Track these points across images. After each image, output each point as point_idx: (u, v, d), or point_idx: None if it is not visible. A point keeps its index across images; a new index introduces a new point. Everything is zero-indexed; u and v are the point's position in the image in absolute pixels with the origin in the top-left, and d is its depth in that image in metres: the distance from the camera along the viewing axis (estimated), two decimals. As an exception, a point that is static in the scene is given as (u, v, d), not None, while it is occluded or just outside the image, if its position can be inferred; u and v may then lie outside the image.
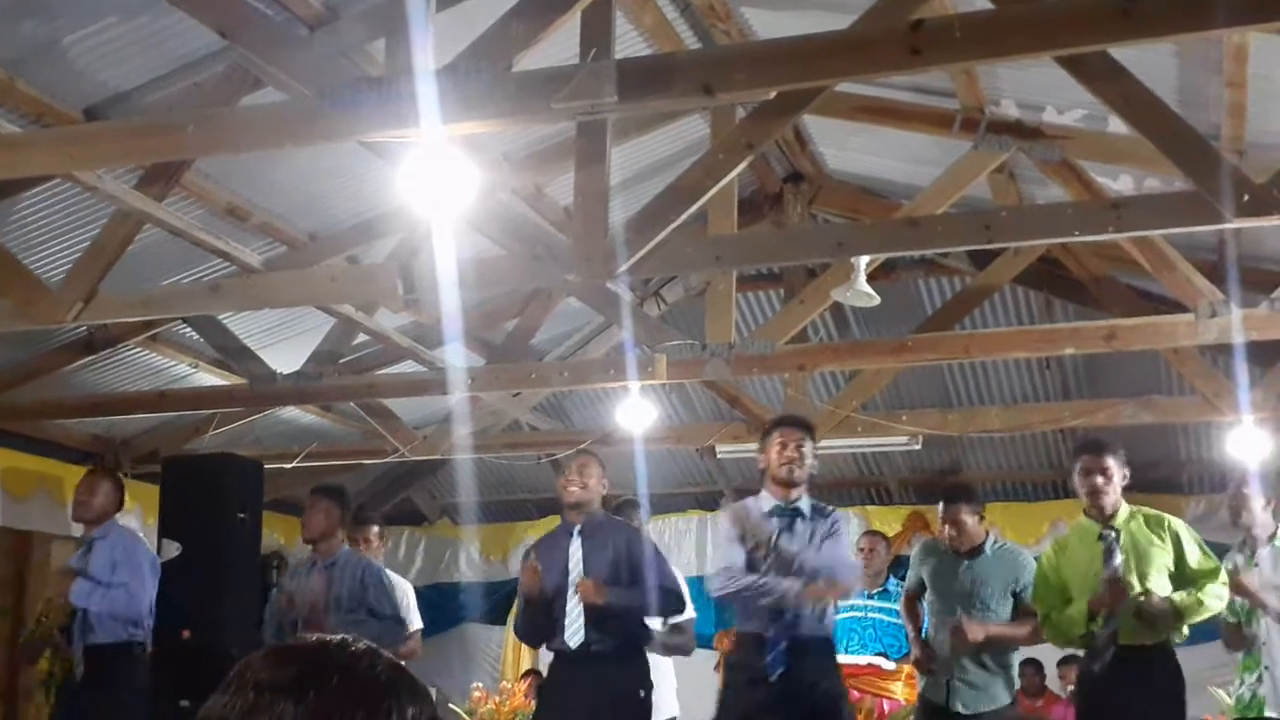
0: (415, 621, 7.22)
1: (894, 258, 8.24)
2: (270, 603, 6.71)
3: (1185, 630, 5.64)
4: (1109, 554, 5.55)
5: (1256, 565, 5.94)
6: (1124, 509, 5.69)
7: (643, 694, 5.74)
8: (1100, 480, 5.66)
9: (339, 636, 1.47)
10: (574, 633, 5.66)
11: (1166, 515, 5.83)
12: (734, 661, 5.68)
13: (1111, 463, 5.68)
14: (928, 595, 6.42)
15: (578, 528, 5.83)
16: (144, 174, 5.78)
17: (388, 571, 6.81)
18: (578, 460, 6.02)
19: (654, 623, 6.16)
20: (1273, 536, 6.00)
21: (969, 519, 6.30)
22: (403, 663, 1.48)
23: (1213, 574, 5.62)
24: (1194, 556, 5.63)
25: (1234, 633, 6.04)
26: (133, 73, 5.55)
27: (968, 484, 7.65)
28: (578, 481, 5.87)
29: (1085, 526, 5.74)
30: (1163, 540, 5.64)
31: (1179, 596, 5.52)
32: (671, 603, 5.88)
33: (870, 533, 8.36)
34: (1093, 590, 5.55)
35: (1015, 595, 6.18)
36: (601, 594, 5.59)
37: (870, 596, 7.69)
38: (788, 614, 5.37)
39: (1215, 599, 5.59)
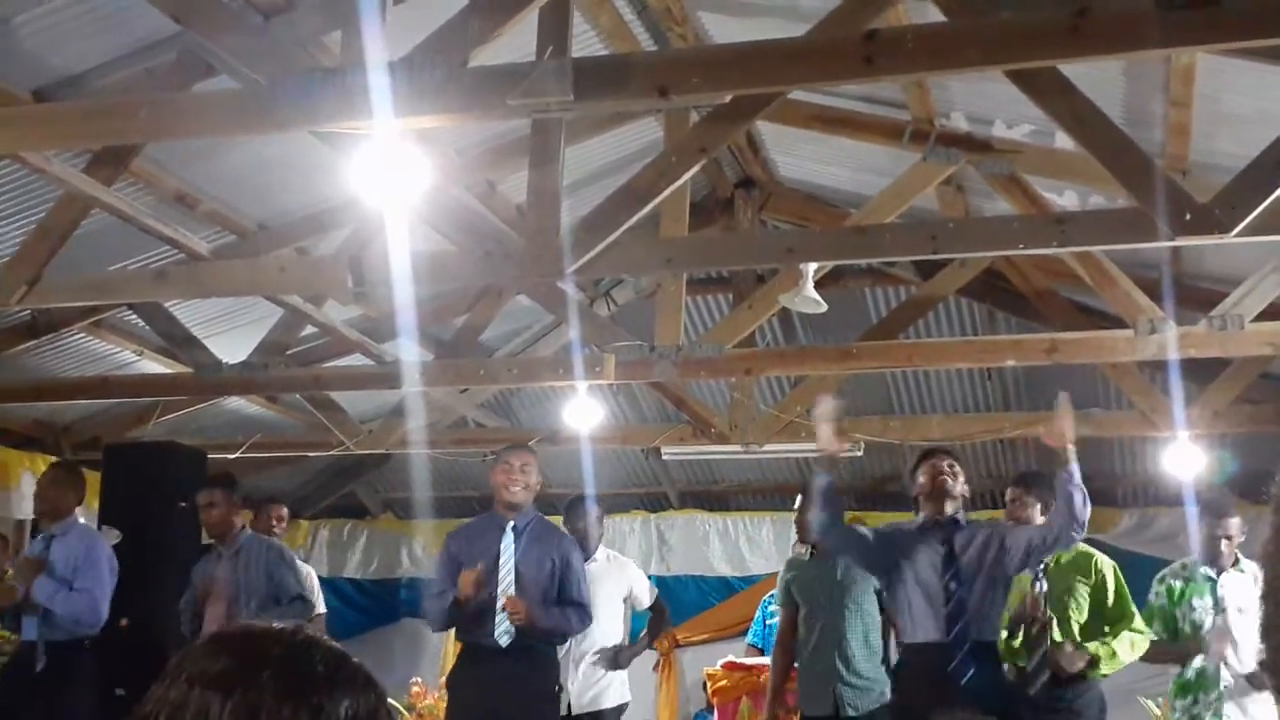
0: (319, 605, 7.38)
1: (842, 266, 8.32)
2: (184, 598, 6.74)
3: (1097, 674, 5.82)
4: (1034, 582, 5.77)
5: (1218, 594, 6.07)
6: None
7: (557, 689, 5.81)
8: (1016, 510, 6.00)
9: (279, 627, 1.45)
10: (503, 631, 5.66)
11: (1096, 554, 6.10)
12: None
13: (1026, 498, 5.99)
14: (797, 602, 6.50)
15: (511, 524, 5.84)
16: (93, 158, 5.73)
17: (290, 551, 6.89)
18: (519, 458, 5.96)
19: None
20: (1236, 562, 6.14)
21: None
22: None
23: (1128, 619, 5.84)
24: (1112, 601, 5.88)
25: (1156, 649, 6.16)
26: (84, 55, 5.49)
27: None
28: (521, 481, 5.87)
29: None
30: (1087, 577, 5.90)
31: (1093, 646, 5.77)
32: (582, 623, 5.93)
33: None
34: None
35: (878, 592, 6.31)
36: (529, 618, 5.62)
37: None
38: None
39: (1128, 648, 5.82)
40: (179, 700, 1.36)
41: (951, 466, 5.54)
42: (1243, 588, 6.00)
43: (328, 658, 1.42)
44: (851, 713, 6.11)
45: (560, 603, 5.84)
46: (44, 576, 6.38)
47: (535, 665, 5.73)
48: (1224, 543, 6.10)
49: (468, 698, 5.81)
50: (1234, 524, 6.14)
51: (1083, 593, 5.91)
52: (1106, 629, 5.91)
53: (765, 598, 8.43)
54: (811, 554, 6.47)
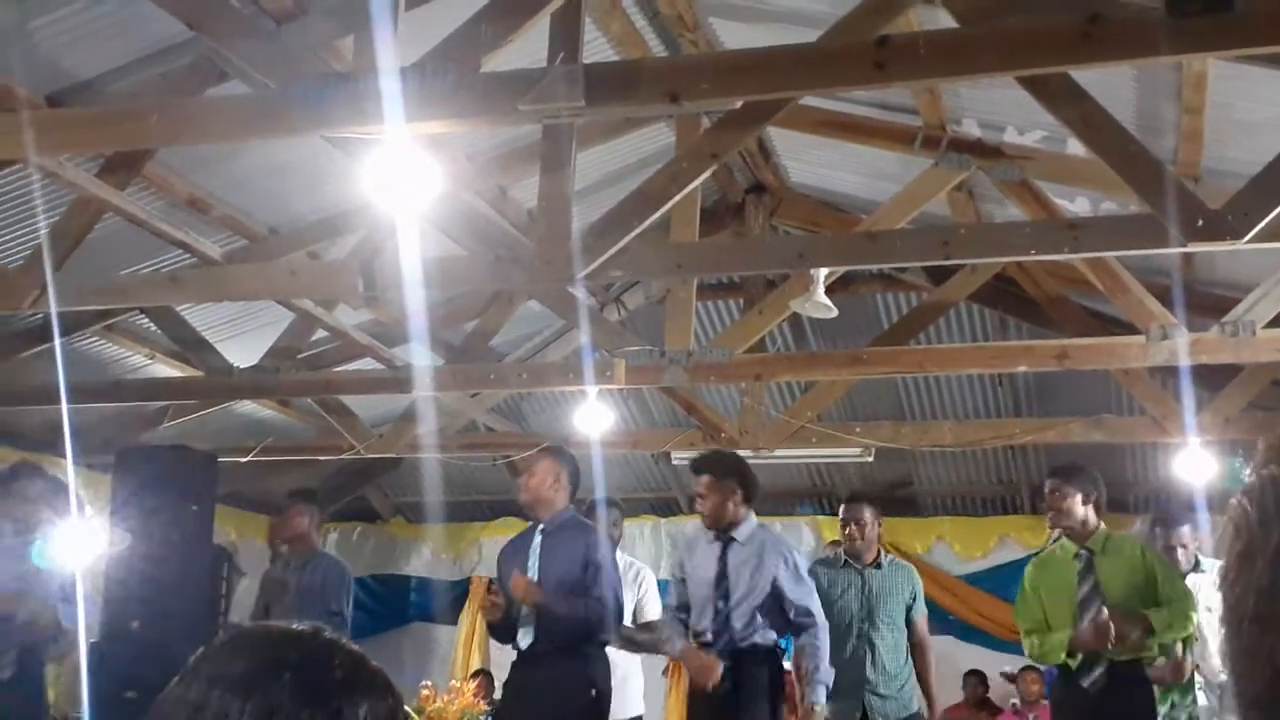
0: None
1: (852, 271, 8.31)
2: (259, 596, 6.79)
3: (1156, 647, 5.76)
4: (1084, 575, 5.72)
5: None
6: (1101, 532, 5.85)
7: (593, 693, 5.75)
8: (1057, 501, 5.90)
9: (299, 628, 1.45)
10: (525, 633, 5.69)
11: (1144, 546, 6.06)
12: None
13: (1066, 489, 5.85)
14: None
15: (540, 526, 5.89)
16: (105, 162, 5.75)
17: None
18: (530, 464, 6.07)
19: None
20: (1196, 565, 6.15)
21: (870, 520, 6.45)
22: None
23: (1181, 600, 5.76)
24: (1163, 584, 5.81)
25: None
26: (97, 60, 5.51)
27: (868, 491, 7.97)
28: (523, 483, 5.98)
29: (1065, 545, 5.92)
30: (1134, 564, 5.81)
31: (1151, 613, 5.67)
32: (605, 621, 5.88)
33: (834, 543, 8.45)
34: (1072, 613, 5.72)
35: (908, 608, 6.32)
36: (533, 594, 5.62)
37: None
38: None
39: (1181, 623, 5.74)
40: (198, 701, 1.35)
41: (705, 480, 5.82)
42: (1208, 587, 5.99)
43: (346, 661, 1.41)
44: None
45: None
46: (64, 605, 6.31)
47: (565, 668, 5.69)
48: (1179, 551, 6.19)
49: (509, 699, 5.96)
50: (1185, 532, 6.33)
51: (1133, 584, 5.85)
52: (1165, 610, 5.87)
53: None
54: (846, 561, 6.47)
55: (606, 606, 5.82)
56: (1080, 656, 5.70)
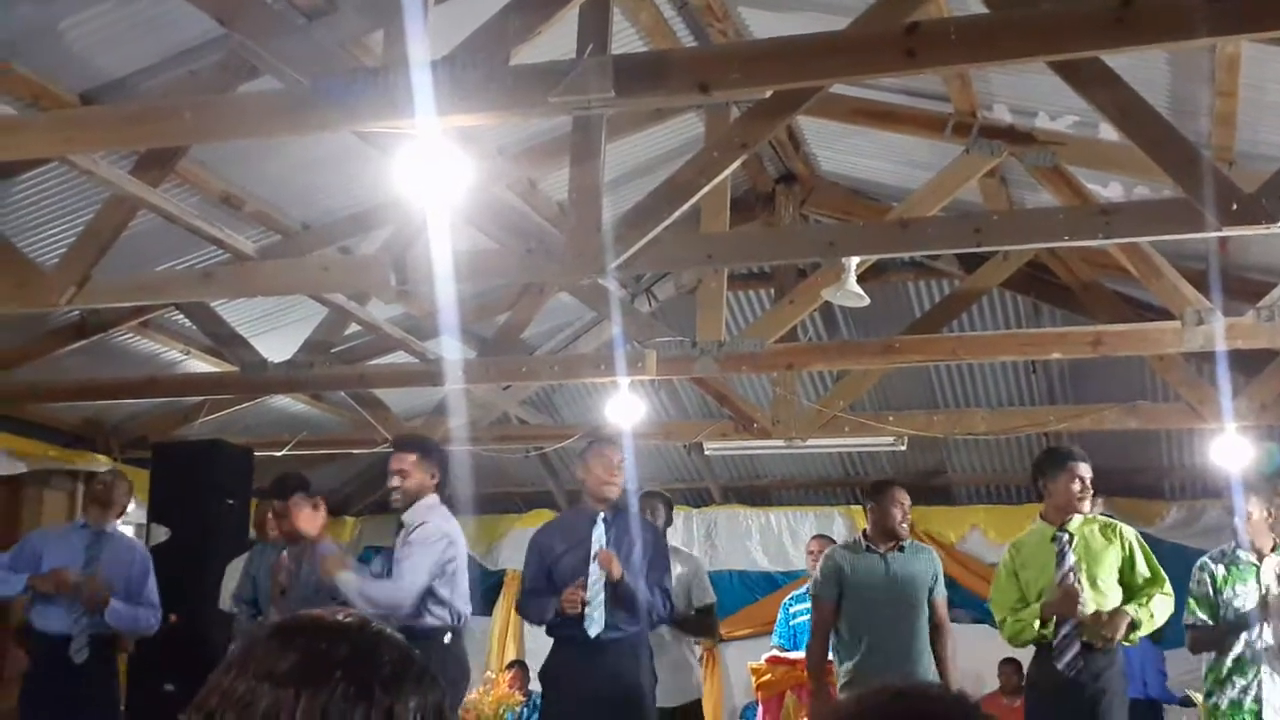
0: None
1: (884, 259, 8.29)
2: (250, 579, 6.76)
3: (1135, 638, 5.78)
4: (1061, 556, 5.74)
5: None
6: (1079, 515, 5.85)
7: (654, 679, 5.81)
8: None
9: (346, 621, 1.43)
10: (594, 621, 5.67)
11: (1120, 523, 6.07)
12: None
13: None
14: (844, 599, 6.38)
15: (601, 515, 5.86)
16: (139, 159, 5.79)
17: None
18: (618, 454, 5.99)
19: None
20: (1275, 548, 6.09)
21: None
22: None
23: (1158, 583, 5.81)
24: (1141, 565, 5.83)
25: (1202, 635, 6.13)
26: (130, 58, 5.56)
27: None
28: (620, 477, 5.94)
29: (1041, 529, 5.94)
30: (1113, 545, 5.84)
31: (1132, 609, 5.71)
32: (663, 610, 5.91)
33: (819, 536, 8.44)
34: (1048, 592, 5.72)
35: (929, 590, 6.29)
36: (619, 570, 5.62)
37: None
38: None
39: (1161, 609, 5.78)
40: (246, 696, 1.34)
41: (410, 458, 6.09)
42: None
43: (394, 656, 1.40)
44: None
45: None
46: (115, 602, 6.44)
47: (630, 653, 5.70)
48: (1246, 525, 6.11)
49: (566, 689, 5.81)
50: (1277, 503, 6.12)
51: (1113, 565, 5.86)
52: (1143, 598, 5.85)
53: (785, 600, 8.41)
54: (868, 546, 6.38)
55: (669, 600, 5.91)
56: (1054, 624, 5.69)
